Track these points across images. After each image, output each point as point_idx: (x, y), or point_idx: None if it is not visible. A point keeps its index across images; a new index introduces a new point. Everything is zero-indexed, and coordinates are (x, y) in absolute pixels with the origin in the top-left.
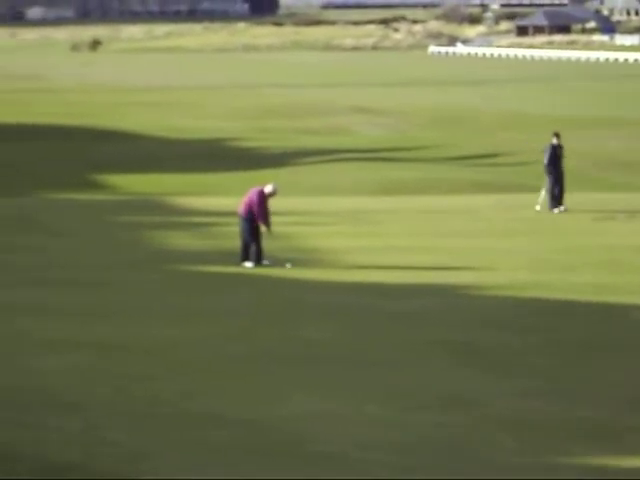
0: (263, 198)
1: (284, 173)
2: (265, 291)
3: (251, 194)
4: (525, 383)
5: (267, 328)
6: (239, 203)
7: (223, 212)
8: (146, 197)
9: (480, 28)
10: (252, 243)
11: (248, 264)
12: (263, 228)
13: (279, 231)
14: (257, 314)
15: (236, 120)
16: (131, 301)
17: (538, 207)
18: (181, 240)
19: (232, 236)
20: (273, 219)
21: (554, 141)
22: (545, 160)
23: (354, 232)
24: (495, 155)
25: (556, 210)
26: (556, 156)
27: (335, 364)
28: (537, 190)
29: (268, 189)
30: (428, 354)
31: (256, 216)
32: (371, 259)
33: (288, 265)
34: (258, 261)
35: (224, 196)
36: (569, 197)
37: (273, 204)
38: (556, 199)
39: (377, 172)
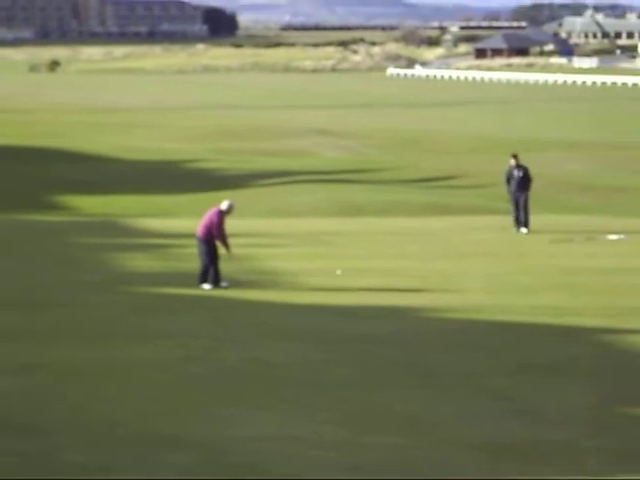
0: (222, 218)
1: (243, 195)
2: (224, 313)
3: (210, 215)
4: (483, 405)
5: (226, 350)
6: (197, 225)
7: (181, 234)
8: (105, 218)
9: (439, 50)
10: (211, 265)
11: (206, 286)
12: (222, 249)
13: (237, 253)
14: (216, 336)
15: (195, 142)
16: (89, 323)
17: (524, 230)
18: (140, 262)
19: (190, 258)
20: (231, 240)
21: (511, 163)
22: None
23: (313, 254)
24: (453, 177)
25: (514, 230)
26: (512, 178)
27: (293, 386)
28: (495, 212)
29: (224, 206)
30: (387, 376)
31: (215, 237)
32: (330, 281)
33: (339, 272)
34: (216, 283)
35: (183, 218)
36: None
37: (231, 225)
38: (516, 220)
39: (336, 194)
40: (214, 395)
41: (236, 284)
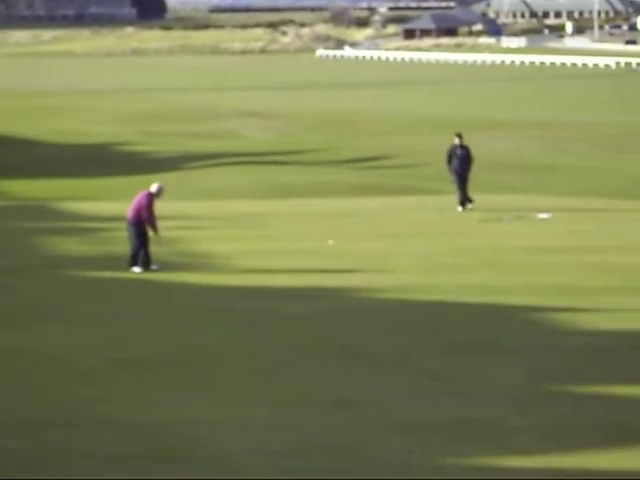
0: (151, 200)
1: (172, 177)
2: (155, 296)
3: (140, 198)
4: (413, 384)
5: (157, 333)
6: (127, 208)
7: (112, 217)
8: (37, 202)
9: (368, 31)
10: (140, 248)
11: (136, 269)
12: (151, 232)
13: (168, 235)
14: (147, 319)
15: (125, 125)
16: (19, 307)
17: (460, 208)
18: (71, 245)
19: (120, 241)
20: (161, 223)
21: (455, 142)
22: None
23: (243, 235)
24: (384, 158)
25: (459, 208)
26: (454, 156)
27: (225, 369)
28: (426, 192)
29: (154, 188)
30: (318, 357)
31: (144, 220)
32: (261, 262)
33: (331, 242)
34: (146, 266)
35: (113, 201)
36: (452, 199)
37: (161, 208)
38: (460, 198)
39: (266, 175)
40: (145, 379)
41: (166, 267)
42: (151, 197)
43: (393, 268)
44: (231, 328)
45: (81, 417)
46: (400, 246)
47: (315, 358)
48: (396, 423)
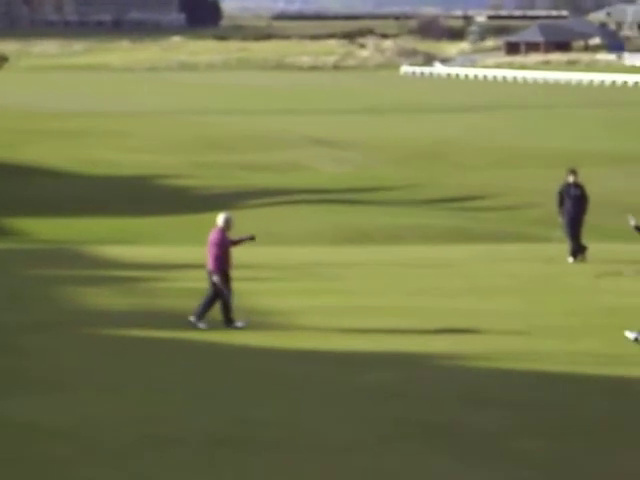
0: (224, 236)
1: None
2: (204, 361)
3: (213, 240)
4: (513, 473)
5: (205, 405)
6: (205, 254)
7: (152, 264)
8: (61, 246)
9: (462, 45)
10: (229, 299)
11: (239, 324)
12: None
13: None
14: (193, 388)
15: (169, 153)
16: (41, 371)
17: (570, 259)
18: (103, 298)
19: (162, 294)
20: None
21: (569, 179)
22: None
23: (311, 289)
24: (479, 197)
25: (570, 259)
26: (566, 197)
27: (285, 450)
28: (529, 239)
29: (220, 221)
30: (396, 438)
31: (229, 250)
32: (331, 322)
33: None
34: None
35: (154, 245)
36: (563, 247)
37: None
38: (572, 248)
39: (339, 217)
40: (185, 461)
41: (219, 325)
42: (223, 233)
43: (487, 330)
44: (294, 400)
45: None
46: (496, 304)
47: (394, 439)
48: None
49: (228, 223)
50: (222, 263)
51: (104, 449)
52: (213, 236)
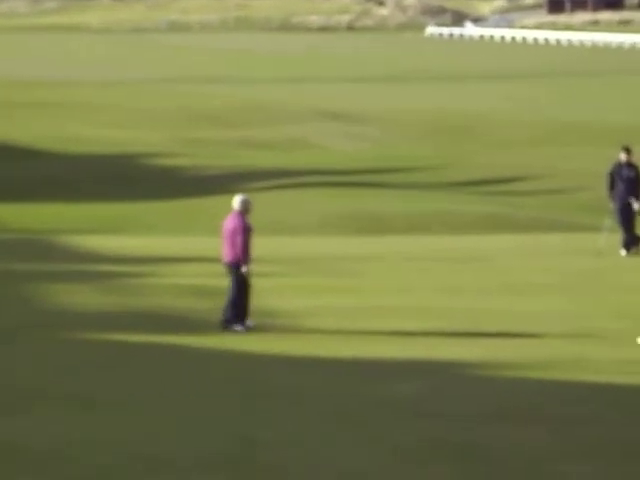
0: (245, 220)
1: (224, 203)
2: (203, 371)
3: (229, 226)
4: None
5: (204, 423)
6: (221, 244)
7: (138, 257)
8: (32, 236)
9: (498, 2)
10: (240, 299)
11: (238, 327)
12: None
13: (219, 286)
14: (191, 402)
15: (156, 129)
16: (10, 383)
17: (623, 252)
18: (80, 297)
19: (151, 291)
20: (211, 268)
21: (621, 158)
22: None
23: (319, 286)
24: (517, 179)
25: (623, 252)
26: (619, 179)
27: (287, 475)
28: (576, 229)
29: (237, 205)
30: (422, 462)
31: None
32: (343, 324)
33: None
34: (242, 322)
35: (140, 235)
36: (614, 237)
37: (210, 248)
38: (625, 238)
39: (353, 203)
40: None
41: (217, 327)
42: (242, 216)
43: (527, 334)
44: (302, 416)
45: None
46: (535, 304)
47: (418, 460)
48: None
49: (246, 205)
50: (248, 251)
51: (92, 474)
52: (231, 222)
